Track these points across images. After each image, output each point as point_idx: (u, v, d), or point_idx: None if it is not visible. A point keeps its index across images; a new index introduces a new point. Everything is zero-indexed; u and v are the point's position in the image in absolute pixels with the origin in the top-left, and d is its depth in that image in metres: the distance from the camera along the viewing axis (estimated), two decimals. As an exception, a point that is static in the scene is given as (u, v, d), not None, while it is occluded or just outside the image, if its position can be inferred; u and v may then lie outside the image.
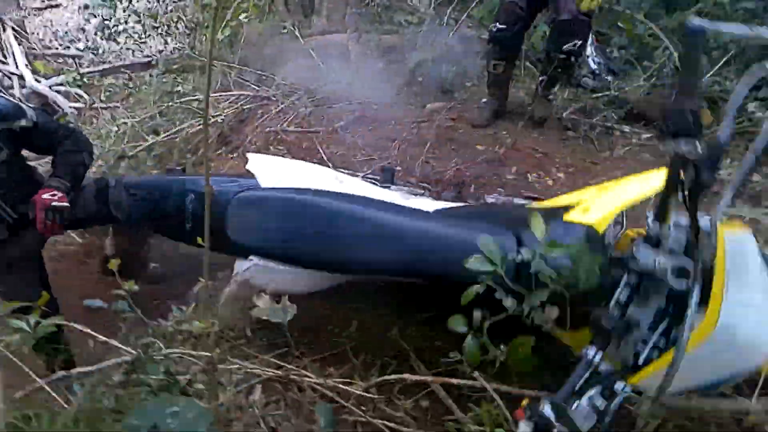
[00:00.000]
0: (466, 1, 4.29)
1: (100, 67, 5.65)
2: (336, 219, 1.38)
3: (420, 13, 4.51)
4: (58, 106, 5.15)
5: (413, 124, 3.18)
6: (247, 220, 1.52)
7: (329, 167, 2.47)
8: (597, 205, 1.46)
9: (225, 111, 3.92)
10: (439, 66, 3.65)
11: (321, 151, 3.01)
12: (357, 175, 1.89)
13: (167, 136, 3.75)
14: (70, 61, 6.19)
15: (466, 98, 3.52)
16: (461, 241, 1.37)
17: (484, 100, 3.24)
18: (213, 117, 3.81)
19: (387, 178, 1.70)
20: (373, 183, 1.72)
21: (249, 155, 1.82)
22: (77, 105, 5.07)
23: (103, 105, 4.77)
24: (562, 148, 3.03)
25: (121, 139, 3.76)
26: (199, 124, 3.84)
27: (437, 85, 3.61)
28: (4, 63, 5.54)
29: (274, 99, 3.84)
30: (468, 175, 2.72)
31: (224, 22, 4.35)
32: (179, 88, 4.18)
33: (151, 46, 6.22)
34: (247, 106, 3.99)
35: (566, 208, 1.50)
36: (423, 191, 1.94)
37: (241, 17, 4.26)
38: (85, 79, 5.10)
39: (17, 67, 5.46)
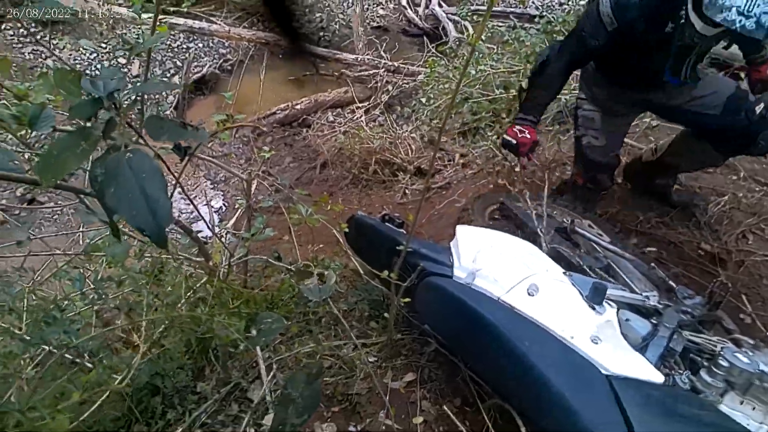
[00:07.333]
0: None
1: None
2: (497, 347, 1.32)
3: None
4: (446, 32, 5.82)
5: None
6: (427, 301, 1.63)
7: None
8: None
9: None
10: None
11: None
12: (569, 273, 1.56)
13: (512, 95, 3.86)
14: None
15: None
16: None
17: None
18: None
19: (597, 299, 1.41)
20: (580, 292, 1.43)
21: (458, 228, 1.76)
22: (459, 36, 5.63)
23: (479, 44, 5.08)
24: None
25: (477, 81, 4.03)
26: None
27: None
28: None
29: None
30: None
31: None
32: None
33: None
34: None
35: None
36: (644, 298, 1.57)
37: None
38: (475, 16, 5.55)
39: (436, -12, 6.28)
